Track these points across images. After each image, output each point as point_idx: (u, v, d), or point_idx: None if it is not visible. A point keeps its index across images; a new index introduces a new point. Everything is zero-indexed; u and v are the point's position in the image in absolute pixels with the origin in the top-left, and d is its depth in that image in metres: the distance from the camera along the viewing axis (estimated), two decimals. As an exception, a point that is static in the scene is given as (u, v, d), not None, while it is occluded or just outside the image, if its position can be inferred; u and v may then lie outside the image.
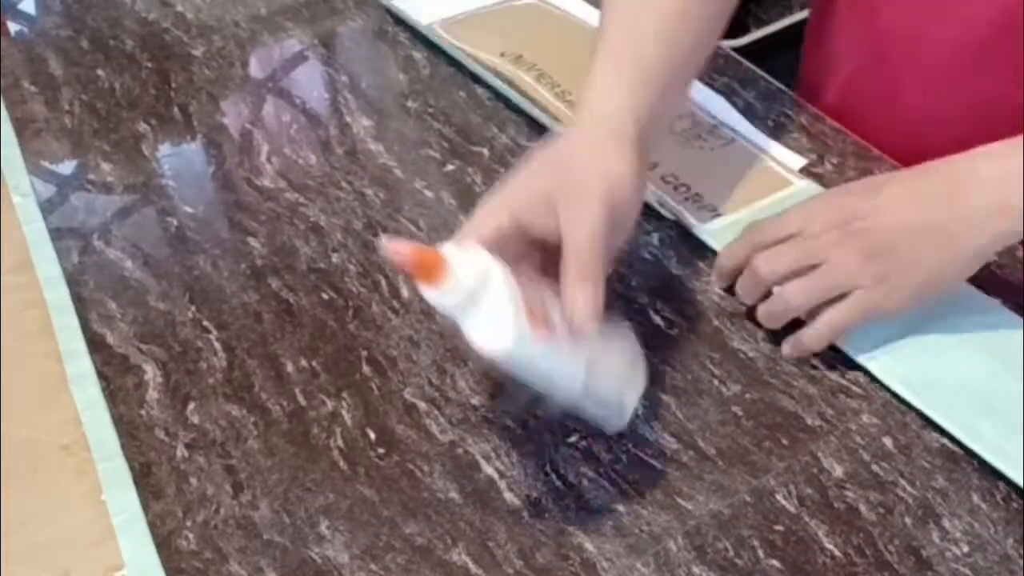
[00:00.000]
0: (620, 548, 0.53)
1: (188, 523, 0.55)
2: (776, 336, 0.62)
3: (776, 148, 0.75)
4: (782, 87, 0.82)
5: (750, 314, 0.63)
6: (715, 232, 0.68)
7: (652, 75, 0.60)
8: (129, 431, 0.59)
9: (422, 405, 0.60)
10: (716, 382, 0.60)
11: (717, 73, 0.83)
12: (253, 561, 0.53)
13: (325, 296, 0.67)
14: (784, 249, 0.60)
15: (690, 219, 0.69)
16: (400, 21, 0.90)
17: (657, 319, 0.64)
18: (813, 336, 0.60)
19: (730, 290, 0.64)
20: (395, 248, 0.44)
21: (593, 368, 0.50)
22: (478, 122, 0.80)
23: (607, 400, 0.51)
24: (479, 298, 0.46)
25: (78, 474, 0.57)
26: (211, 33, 0.91)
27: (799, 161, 0.74)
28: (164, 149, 0.79)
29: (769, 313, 0.61)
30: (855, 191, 0.61)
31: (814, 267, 0.58)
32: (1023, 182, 0.54)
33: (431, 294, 0.46)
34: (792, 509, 0.54)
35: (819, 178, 0.72)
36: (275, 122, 0.83)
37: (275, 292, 0.67)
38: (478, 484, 0.56)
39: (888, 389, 0.59)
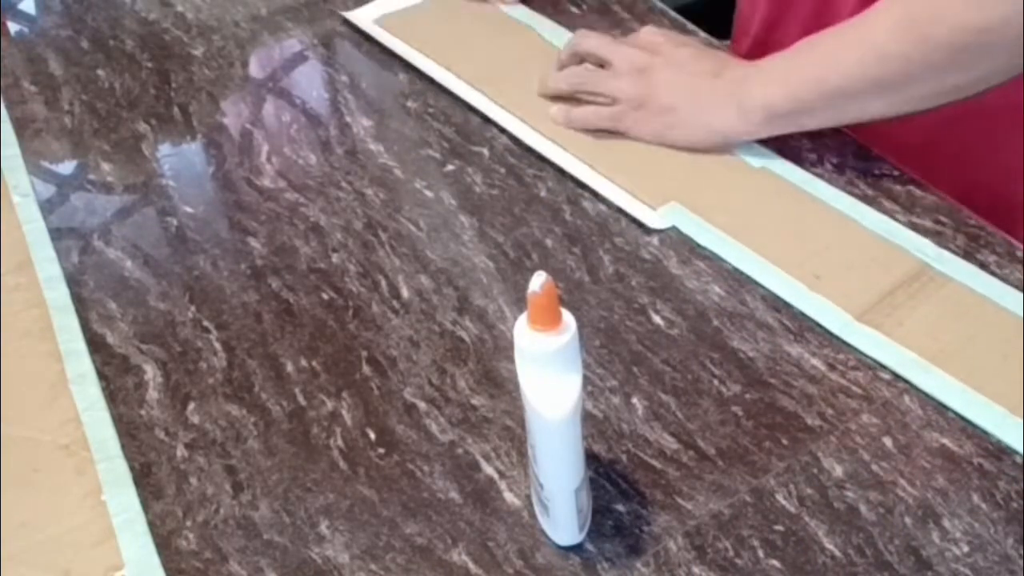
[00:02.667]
0: (620, 548, 0.53)
1: (188, 523, 0.55)
2: (776, 336, 0.63)
3: None
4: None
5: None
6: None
7: None
8: (129, 431, 0.59)
9: (422, 405, 0.60)
10: (716, 382, 0.60)
11: (717, 73, 0.83)
12: (253, 561, 0.53)
13: (325, 296, 0.67)
14: (588, 73, 0.77)
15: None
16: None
17: (657, 319, 0.64)
18: (578, 114, 0.76)
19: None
20: (549, 283, 0.44)
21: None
22: (478, 122, 0.80)
23: (583, 506, 0.52)
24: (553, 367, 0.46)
25: (78, 474, 0.57)
26: (211, 33, 0.91)
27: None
28: (164, 149, 0.79)
29: (556, 79, 0.78)
30: (661, 48, 0.76)
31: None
32: (758, 77, 0.71)
33: (532, 336, 0.45)
34: (792, 509, 0.54)
35: (818, 178, 0.72)
36: (275, 122, 0.83)
37: (275, 292, 0.67)
38: (478, 484, 0.56)
39: (887, 388, 0.59)
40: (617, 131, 0.75)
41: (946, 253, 0.66)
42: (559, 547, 0.53)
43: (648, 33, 0.78)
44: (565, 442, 0.48)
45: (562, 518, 0.51)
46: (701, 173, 0.73)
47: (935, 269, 0.65)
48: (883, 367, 0.60)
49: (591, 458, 0.56)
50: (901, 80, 0.66)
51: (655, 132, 0.74)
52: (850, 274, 0.65)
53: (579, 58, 0.79)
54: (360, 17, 0.91)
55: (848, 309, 0.63)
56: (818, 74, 0.69)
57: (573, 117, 0.77)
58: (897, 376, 0.60)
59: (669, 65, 0.74)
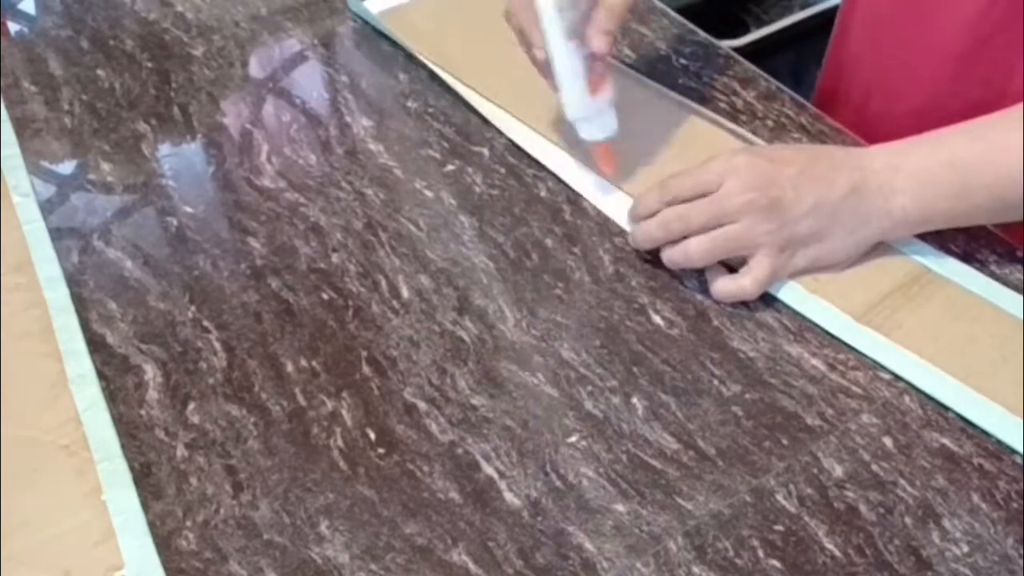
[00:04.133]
0: (620, 548, 0.53)
1: (188, 523, 0.55)
2: (776, 336, 0.63)
3: None
4: (782, 87, 0.82)
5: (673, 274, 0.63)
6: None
7: None
8: (129, 431, 0.59)
9: (422, 405, 0.60)
10: (716, 382, 0.60)
11: (717, 73, 0.83)
12: (253, 561, 0.53)
13: (325, 296, 0.67)
14: (698, 208, 0.64)
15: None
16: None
17: (657, 319, 0.64)
18: (721, 290, 0.65)
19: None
20: None
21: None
22: (478, 122, 0.80)
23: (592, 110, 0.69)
24: None
25: (78, 474, 0.57)
26: (211, 33, 0.91)
27: None
28: (164, 149, 0.79)
29: (671, 260, 0.66)
30: (776, 159, 0.65)
31: (721, 224, 0.64)
32: (905, 192, 0.62)
33: None
34: (792, 509, 0.54)
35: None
36: (275, 122, 0.83)
37: (275, 292, 0.67)
38: (478, 484, 0.56)
39: (887, 388, 0.59)
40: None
41: (945, 255, 0.66)
42: (559, 547, 0.53)
43: (767, 161, 0.65)
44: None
45: (566, 82, 0.67)
46: None
47: (934, 271, 0.65)
48: (883, 367, 0.60)
49: (591, 458, 0.56)
50: None
51: (805, 268, 0.65)
52: (849, 277, 0.65)
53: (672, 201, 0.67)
54: (366, 9, 0.91)
55: (848, 311, 0.63)
56: (981, 164, 0.61)
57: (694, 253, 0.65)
58: (897, 376, 0.60)
59: (799, 197, 0.63)
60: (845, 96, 0.85)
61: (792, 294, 0.64)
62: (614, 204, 0.72)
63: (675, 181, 0.66)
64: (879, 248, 0.66)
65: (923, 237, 0.67)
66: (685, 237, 0.65)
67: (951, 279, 0.65)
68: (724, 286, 0.64)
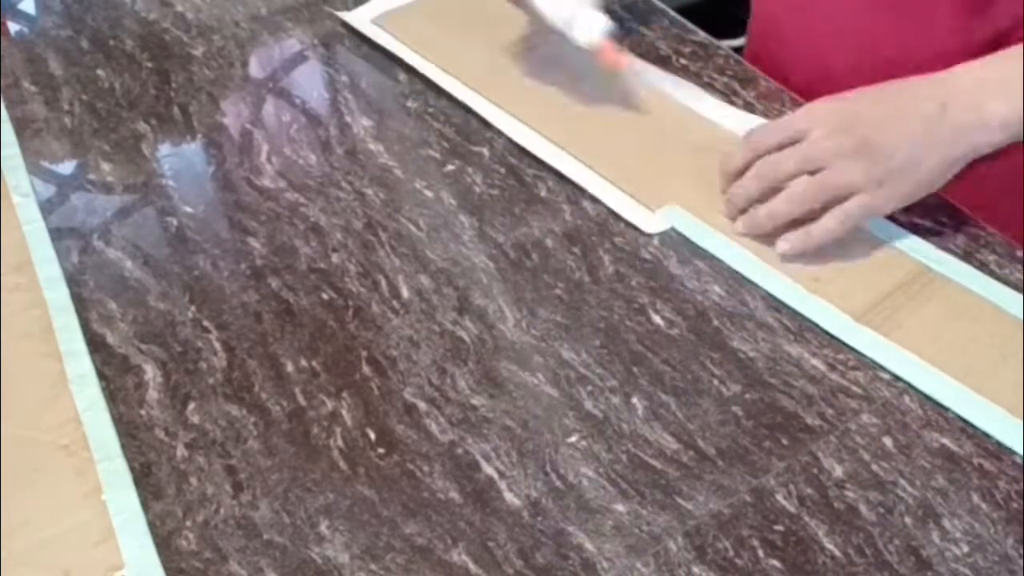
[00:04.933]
0: (620, 548, 0.53)
1: (188, 523, 0.55)
2: (776, 336, 0.63)
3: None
4: (782, 87, 0.82)
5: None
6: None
7: None
8: (129, 431, 0.59)
9: (422, 405, 0.60)
10: (716, 382, 0.60)
11: (717, 73, 0.83)
12: (253, 561, 0.53)
13: (325, 296, 0.67)
14: (787, 155, 0.64)
15: None
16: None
17: (657, 319, 0.64)
18: (822, 232, 0.64)
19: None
20: None
21: None
22: (478, 122, 0.80)
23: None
24: None
25: (78, 474, 0.57)
26: (211, 33, 0.91)
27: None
28: (164, 149, 0.79)
29: (762, 218, 0.66)
30: (857, 99, 0.65)
31: (813, 171, 0.63)
32: (996, 97, 0.62)
33: None
34: (792, 509, 0.54)
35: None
36: (275, 122, 0.83)
37: (275, 292, 0.67)
38: (478, 484, 0.56)
39: (887, 388, 0.59)
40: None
41: (946, 254, 0.66)
42: (559, 547, 0.53)
43: (847, 104, 0.65)
44: None
45: None
46: (701, 175, 0.73)
47: (935, 271, 0.65)
48: (883, 367, 0.60)
49: (591, 458, 0.56)
50: None
51: (905, 198, 0.64)
52: (850, 276, 0.65)
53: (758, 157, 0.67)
54: (357, 18, 0.91)
55: (848, 311, 0.63)
56: None
57: (814, 234, 0.65)
58: (897, 376, 0.60)
59: (887, 131, 0.63)
60: (770, 62, 0.85)
61: (792, 294, 0.64)
62: (617, 200, 0.72)
63: (758, 135, 0.66)
64: (879, 247, 0.66)
65: (923, 237, 0.67)
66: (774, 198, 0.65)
67: (951, 279, 0.65)
68: (825, 224, 0.64)
